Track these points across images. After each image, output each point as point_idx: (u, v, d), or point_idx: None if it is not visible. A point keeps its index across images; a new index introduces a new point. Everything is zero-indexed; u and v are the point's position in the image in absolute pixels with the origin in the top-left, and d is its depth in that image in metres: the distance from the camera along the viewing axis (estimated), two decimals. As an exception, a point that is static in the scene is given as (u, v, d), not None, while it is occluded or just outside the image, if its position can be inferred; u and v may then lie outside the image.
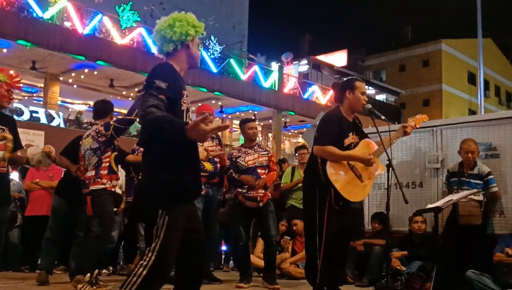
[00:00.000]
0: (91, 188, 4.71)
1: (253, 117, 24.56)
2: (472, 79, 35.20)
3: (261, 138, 25.86)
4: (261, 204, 5.49)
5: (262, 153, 5.64)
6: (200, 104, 5.93)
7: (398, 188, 4.04)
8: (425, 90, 34.72)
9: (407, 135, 4.54)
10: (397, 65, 36.68)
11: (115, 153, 4.92)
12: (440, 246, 5.05)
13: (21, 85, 4.12)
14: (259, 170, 5.54)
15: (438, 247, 4.92)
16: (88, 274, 4.52)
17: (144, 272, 2.50)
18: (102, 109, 5.05)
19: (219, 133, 7.38)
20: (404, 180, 6.11)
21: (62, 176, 5.86)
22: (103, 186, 4.71)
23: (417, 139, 6.10)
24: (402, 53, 36.32)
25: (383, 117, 4.19)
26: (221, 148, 5.86)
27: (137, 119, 4.53)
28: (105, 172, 4.75)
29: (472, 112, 32.43)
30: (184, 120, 2.71)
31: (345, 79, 4.56)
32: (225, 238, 7.63)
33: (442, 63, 34.45)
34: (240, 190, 5.54)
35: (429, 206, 4.97)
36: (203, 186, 5.30)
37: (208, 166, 5.54)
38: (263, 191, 5.53)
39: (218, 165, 5.73)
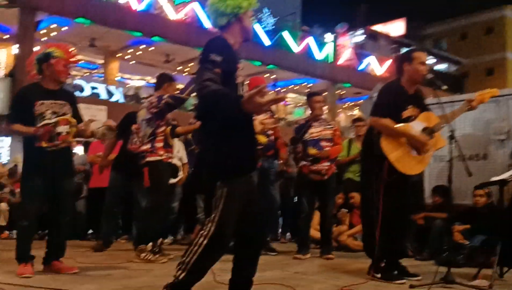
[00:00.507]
0: (147, 159, 4.83)
1: (308, 90, 24.36)
2: (539, 46, 33.21)
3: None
4: (325, 177, 5.53)
5: (327, 126, 5.69)
6: (251, 77, 5.98)
7: (460, 161, 3.88)
8: (489, 58, 33.09)
9: (473, 110, 4.32)
10: (458, 33, 35.10)
11: (170, 127, 5.01)
12: (506, 220, 4.85)
13: (77, 59, 4.21)
14: (322, 143, 5.58)
15: (503, 221, 4.72)
16: (151, 243, 4.69)
17: (205, 242, 2.55)
18: (157, 82, 5.19)
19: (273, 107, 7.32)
20: (467, 152, 5.88)
21: (118, 151, 6.01)
22: (159, 158, 4.82)
23: (481, 110, 5.79)
24: (464, 20, 34.67)
25: (444, 87, 4.01)
26: (275, 120, 5.88)
27: (189, 97, 4.63)
28: (161, 144, 4.84)
29: (540, 81, 30.70)
30: (239, 93, 2.72)
31: (404, 50, 4.39)
32: (282, 210, 7.66)
33: (506, 30, 32.71)
34: (304, 162, 5.60)
35: (494, 179, 4.77)
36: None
37: (262, 139, 5.57)
38: (328, 164, 5.57)
39: (272, 137, 5.75)
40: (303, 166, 5.63)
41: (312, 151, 5.53)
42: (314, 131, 5.64)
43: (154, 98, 4.92)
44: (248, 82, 5.18)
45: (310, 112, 5.89)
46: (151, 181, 4.80)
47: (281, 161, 6.37)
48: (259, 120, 5.29)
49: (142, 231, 4.91)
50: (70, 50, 4.08)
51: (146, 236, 4.77)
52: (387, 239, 3.94)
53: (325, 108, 5.88)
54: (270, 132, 5.68)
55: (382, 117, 3.94)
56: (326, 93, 23.38)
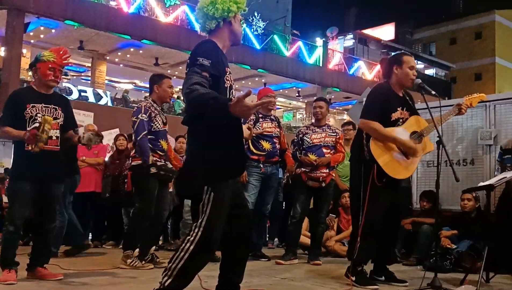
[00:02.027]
0: (132, 163, 4.77)
1: (297, 94, 24.43)
2: (527, 51, 33.55)
3: (305, 115, 25.69)
4: (323, 184, 5.51)
5: (330, 133, 5.65)
6: (260, 89, 6.09)
7: (448, 166, 3.89)
8: (477, 63, 33.41)
9: (462, 115, 4.34)
10: (447, 38, 35.39)
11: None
12: (492, 225, 4.88)
13: (66, 63, 4.14)
14: (324, 150, 5.55)
15: (490, 226, 4.75)
16: (137, 250, 4.63)
17: (191, 247, 2.54)
18: (149, 85, 4.99)
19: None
20: (455, 158, 5.92)
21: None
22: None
23: (469, 115, 5.85)
24: (453, 25, 34.98)
25: (433, 92, 4.01)
26: (281, 130, 5.84)
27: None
28: None
29: (527, 86, 31.03)
30: (228, 97, 2.70)
31: (392, 54, 4.40)
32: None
33: (495, 35, 33.01)
34: (303, 169, 5.56)
35: (481, 184, 4.79)
36: (261, 165, 5.42)
37: (266, 145, 5.55)
38: (327, 171, 5.53)
39: (278, 145, 5.71)
40: (301, 172, 5.57)
41: (312, 157, 5.50)
42: (316, 137, 5.60)
43: (145, 107, 4.73)
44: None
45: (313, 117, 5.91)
46: (133, 185, 4.73)
47: (287, 174, 6.37)
48: (247, 125, 5.24)
49: (129, 236, 4.85)
50: (61, 53, 4.02)
51: (133, 241, 4.71)
52: (369, 244, 3.92)
53: (326, 114, 5.83)
54: (275, 140, 5.65)
55: (371, 120, 3.93)
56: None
